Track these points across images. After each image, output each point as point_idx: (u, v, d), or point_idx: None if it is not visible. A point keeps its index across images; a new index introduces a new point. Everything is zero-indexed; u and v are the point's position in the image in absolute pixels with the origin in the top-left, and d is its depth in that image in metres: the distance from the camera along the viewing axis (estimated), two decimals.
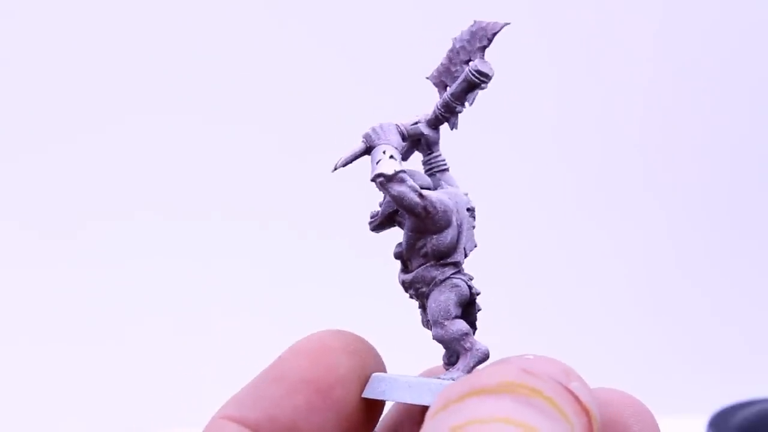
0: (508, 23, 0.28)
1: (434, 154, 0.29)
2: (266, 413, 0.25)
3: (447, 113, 0.29)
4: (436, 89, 0.29)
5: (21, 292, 0.65)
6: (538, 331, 0.69)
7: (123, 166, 0.67)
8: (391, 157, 0.26)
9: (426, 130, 0.29)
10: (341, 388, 0.26)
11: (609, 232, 0.72)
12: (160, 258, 0.67)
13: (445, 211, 0.27)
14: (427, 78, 0.29)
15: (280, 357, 0.27)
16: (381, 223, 0.28)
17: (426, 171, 0.29)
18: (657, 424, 0.24)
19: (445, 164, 0.29)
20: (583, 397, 0.20)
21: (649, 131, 0.72)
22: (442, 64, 0.29)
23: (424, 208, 0.26)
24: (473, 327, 0.28)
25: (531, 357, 0.22)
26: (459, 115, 0.29)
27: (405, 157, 0.29)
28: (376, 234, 0.29)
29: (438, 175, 0.29)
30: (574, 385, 0.21)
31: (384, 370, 0.28)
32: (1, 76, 0.66)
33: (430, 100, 0.30)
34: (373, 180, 0.26)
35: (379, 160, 0.26)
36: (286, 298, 0.67)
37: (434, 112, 0.29)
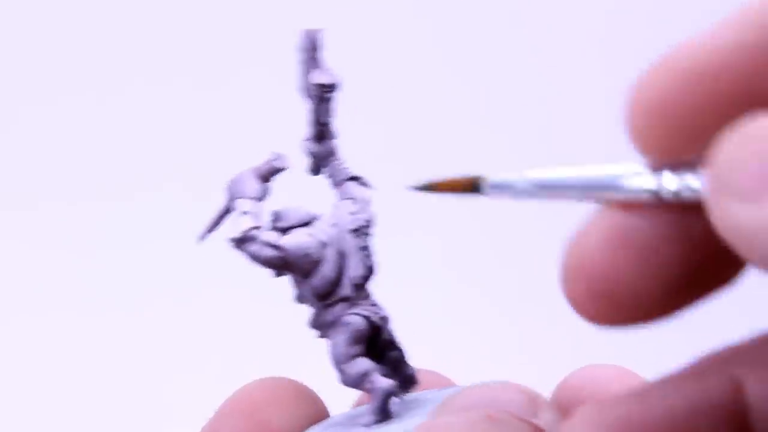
0: (321, 29, 0.26)
1: (332, 167, 0.28)
2: None
3: (320, 125, 0.27)
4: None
5: (16, 289, 0.65)
6: (541, 330, 0.68)
7: (115, 151, 0.66)
8: (244, 213, 0.25)
9: (313, 147, 0.27)
10: None
11: None
12: (163, 258, 0.66)
13: (306, 254, 0.25)
14: (298, 91, 0.28)
15: (212, 418, 0.26)
16: (278, 271, 0.26)
17: (331, 184, 0.28)
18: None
19: (347, 173, 0.27)
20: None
21: None
22: (299, 76, 0.27)
23: (281, 259, 0.25)
24: (395, 350, 0.26)
25: (495, 386, 0.21)
26: (332, 123, 0.27)
27: (317, 172, 0.28)
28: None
29: (338, 189, 0.27)
30: (542, 418, 0.20)
31: (323, 409, 0.27)
32: None
33: None
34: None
35: (232, 221, 0.26)
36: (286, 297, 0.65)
37: (309, 127, 0.27)
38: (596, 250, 0.17)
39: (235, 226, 0.25)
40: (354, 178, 0.28)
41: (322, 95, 0.26)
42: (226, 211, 0.26)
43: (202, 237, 0.27)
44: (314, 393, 0.27)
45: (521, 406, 0.20)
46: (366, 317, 0.25)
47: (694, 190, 0.16)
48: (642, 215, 0.17)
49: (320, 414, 0.27)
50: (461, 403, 0.21)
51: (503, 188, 0.19)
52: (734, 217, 0.14)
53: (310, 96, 0.27)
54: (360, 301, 0.26)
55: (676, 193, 0.16)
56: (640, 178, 0.17)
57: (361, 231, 0.26)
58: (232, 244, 0.25)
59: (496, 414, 0.19)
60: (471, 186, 0.19)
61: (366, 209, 0.27)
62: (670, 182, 0.16)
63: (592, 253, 0.17)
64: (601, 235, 0.17)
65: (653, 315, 0.17)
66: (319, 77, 0.26)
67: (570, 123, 0.69)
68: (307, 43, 0.27)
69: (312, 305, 0.26)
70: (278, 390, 0.26)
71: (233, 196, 0.26)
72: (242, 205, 0.26)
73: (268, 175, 0.26)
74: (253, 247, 0.25)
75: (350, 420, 0.26)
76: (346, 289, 0.25)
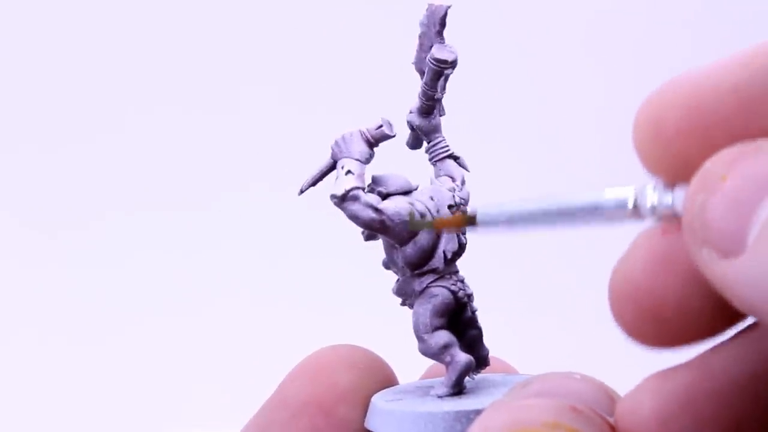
0: (450, 5, 0.26)
1: (433, 143, 0.28)
2: None
3: (429, 101, 0.27)
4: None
5: (17, 291, 0.66)
6: (544, 330, 0.67)
7: (121, 165, 0.67)
8: (349, 172, 0.26)
9: (417, 120, 0.28)
10: (344, 405, 0.26)
11: (616, 231, 0.69)
12: (163, 259, 0.67)
13: (405, 222, 0.25)
14: (412, 63, 0.28)
15: (281, 383, 0.26)
16: (371, 233, 0.27)
17: (429, 160, 0.28)
18: None
19: (446, 151, 0.28)
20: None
21: None
22: (416, 50, 0.28)
23: (381, 222, 0.25)
24: (474, 329, 0.27)
25: (575, 377, 0.20)
26: (441, 101, 0.28)
27: (415, 146, 0.29)
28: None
29: (438, 164, 0.28)
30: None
31: (392, 379, 0.27)
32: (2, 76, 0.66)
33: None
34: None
35: (337, 178, 0.26)
36: (291, 301, 0.66)
37: (418, 100, 0.28)
38: (641, 272, 0.17)
39: (339, 183, 0.25)
40: (454, 157, 0.28)
41: (441, 71, 0.27)
42: (330, 168, 0.27)
43: (304, 190, 0.27)
44: (383, 361, 0.27)
45: (601, 403, 0.20)
46: (453, 292, 0.26)
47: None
48: (682, 236, 0.16)
49: (388, 381, 0.27)
50: (538, 389, 0.21)
51: (492, 223, 0.19)
52: (713, 270, 0.15)
53: (426, 70, 0.27)
54: (448, 275, 0.26)
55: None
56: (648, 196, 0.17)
57: (458, 207, 0.26)
58: (334, 201, 0.25)
59: (580, 407, 0.19)
60: (467, 221, 0.20)
61: (463, 187, 0.27)
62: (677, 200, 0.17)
63: (637, 276, 0.17)
64: (645, 257, 0.17)
65: (701, 333, 0.17)
66: (440, 52, 0.26)
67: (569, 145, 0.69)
68: (431, 18, 0.27)
69: (400, 273, 0.26)
70: (347, 356, 0.26)
71: (340, 155, 0.26)
72: (348, 164, 0.26)
73: (375, 140, 0.27)
74: (354, 207, 0.25)
75: (421, 390, 0.26)
76: (437, 262, 0.26)
